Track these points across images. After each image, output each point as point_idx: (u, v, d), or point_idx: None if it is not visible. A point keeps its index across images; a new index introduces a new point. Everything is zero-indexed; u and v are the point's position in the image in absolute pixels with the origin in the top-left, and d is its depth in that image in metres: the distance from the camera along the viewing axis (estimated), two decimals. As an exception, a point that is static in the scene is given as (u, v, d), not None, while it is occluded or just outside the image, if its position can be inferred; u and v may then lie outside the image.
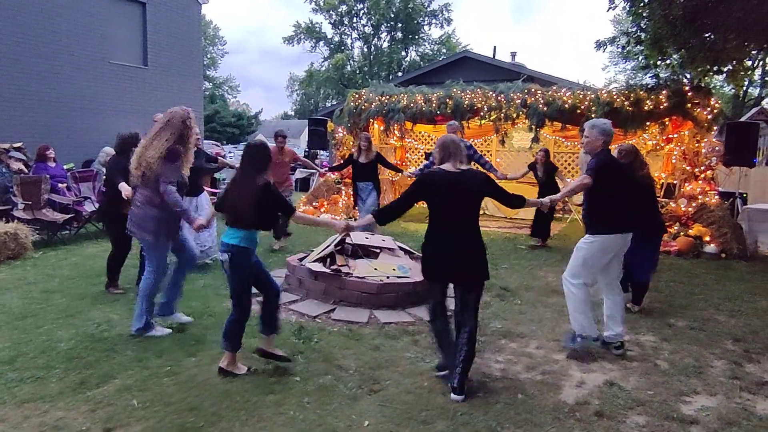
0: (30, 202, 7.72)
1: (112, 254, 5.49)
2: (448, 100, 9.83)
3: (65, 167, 9.45)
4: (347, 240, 5.64)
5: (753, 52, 9.73)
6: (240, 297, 3.63)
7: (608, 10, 8.88)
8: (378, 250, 5.72)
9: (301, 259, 5.64)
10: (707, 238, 7.89)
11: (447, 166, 3.50)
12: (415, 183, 3.65)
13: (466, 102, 9.70)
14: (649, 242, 5.02)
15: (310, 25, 42.20)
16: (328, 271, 5.22)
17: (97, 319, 4.59)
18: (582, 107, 8.82)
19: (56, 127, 12.06)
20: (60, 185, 8.54)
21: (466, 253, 3.45)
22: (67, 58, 12.33)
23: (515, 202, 3.79)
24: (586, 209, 4.24)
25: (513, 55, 20.84)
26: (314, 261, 5.42)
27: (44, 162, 8.63)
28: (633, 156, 5.07)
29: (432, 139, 13.13)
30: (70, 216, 8.07)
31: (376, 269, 5.29)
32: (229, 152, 21.85)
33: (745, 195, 9.35)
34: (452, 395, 3.35)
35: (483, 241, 3.55)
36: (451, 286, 3.63)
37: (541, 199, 4.44)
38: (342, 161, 8.95)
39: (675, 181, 8.85)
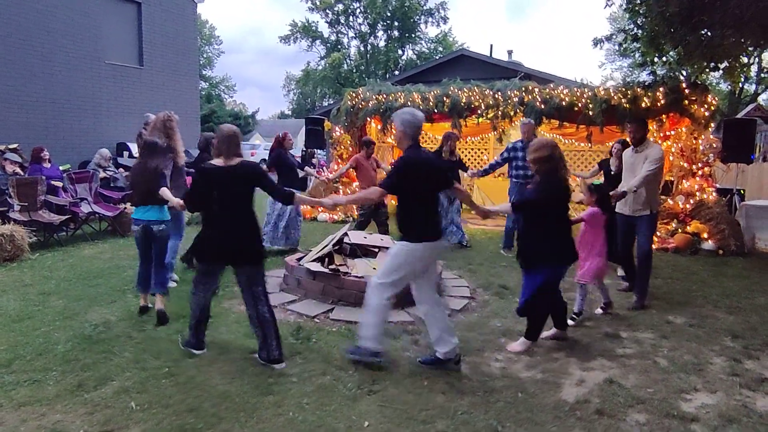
0: (26, 204, 7.69)
1: None
2: (445, 99, 9.82)
3: (61, 168, 9.42)
4: (345, 240, 5.63)
5: (750, 49, 9.72)
6: None
7: (605, 8, 8.93)
8: (376, 250, 5.70)
9: (299, 259, 5.62)
10: (705, 235, 7.89)
11: (218, 161, 3.77)
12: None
13: (463, 100, 9.69)
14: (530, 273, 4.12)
15: (306, 24, 42.20)
16: (326, 270, 5.21)
17: (94, 321, 4.57)
18: (579, 105, 8.82)
19: (52, 128, 12.03)
20: (54, 183, 8.48)
21: (234, 236, 3.76)
22: (63, 58, 12.30)
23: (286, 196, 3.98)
24: (398, 214, 3.78)
25: (510, 53, 20.87)
26: (312, 261, 5.40)
27: (39, 163, 8.59)
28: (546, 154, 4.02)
29: (430, 138, 13.14)
30: (66, 217, 8.04)
31: (374, 268, 5.26)
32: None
33: (742, 191, 9.37)
34: (276, 366, 3.69)
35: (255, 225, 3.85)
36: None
37: (328, 198, 4.11)
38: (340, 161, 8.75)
39: (672, 178, 8.85)
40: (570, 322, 4.63)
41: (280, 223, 7.21)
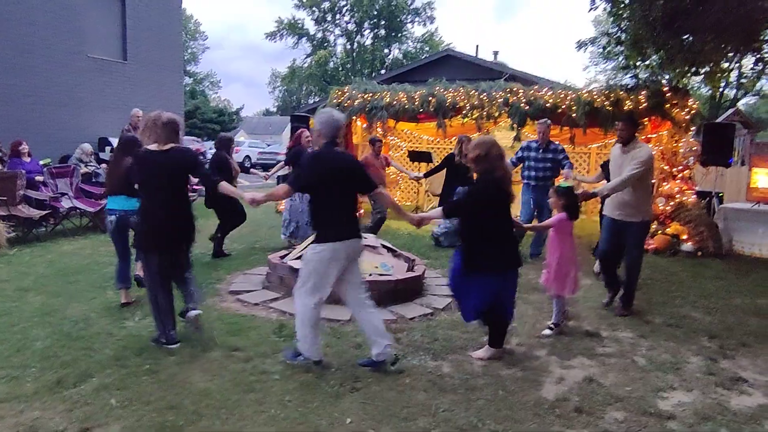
0: (5, 198, 7.56)
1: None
2: (430, 99, 9.84)
3: (42, 163, 9.27)
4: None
5: (730, 54, 9.90)
6: None
7: (589, 11, 8.97)
8: (360, 248, 5.70)
9: (282, 257, 5.60)
10: (684, 237, 8.03)
11: (153, 146, 3.96)
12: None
13: (448, 100, 9.72)
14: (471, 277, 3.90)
15: (292, 21, 42.03)
16: (310, 268, 5.19)
17: (74, 317, 4.52)
18: (563, 107, 8.90)
19: (32, 121, 11.82)
20: (36, 178, 8.36)
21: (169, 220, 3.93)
22: (44, 51, 12.09)
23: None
24: (310, 215, 3.82)
25: (495, 54, 21.03)
26: (296, 258, 5.39)
27: (18, 157, 8.45)
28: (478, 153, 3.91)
29: (415, 137, 13.17)
30: (46, 212, 7.92)
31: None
32: (210, 148, 21.63)
33: (721, 194, 9.53)
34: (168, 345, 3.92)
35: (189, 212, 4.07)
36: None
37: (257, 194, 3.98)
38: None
39: (653, 181, 8.96)
40: (546, 332, 4.52)
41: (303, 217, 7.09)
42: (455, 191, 7.67)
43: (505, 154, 4.10)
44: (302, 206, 7.09)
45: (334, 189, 3.60)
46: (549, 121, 7.46)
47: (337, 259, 3.60)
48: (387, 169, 8.92)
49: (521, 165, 7.39)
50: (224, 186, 4.12)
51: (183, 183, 4.06)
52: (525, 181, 7.31)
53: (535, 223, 6.87)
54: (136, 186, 4.19)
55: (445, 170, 8.25)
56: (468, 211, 3.94)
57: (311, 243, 3.74)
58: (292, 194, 3.88)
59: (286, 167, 7.65)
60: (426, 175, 9.01)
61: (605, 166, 6.53)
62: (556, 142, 7.41)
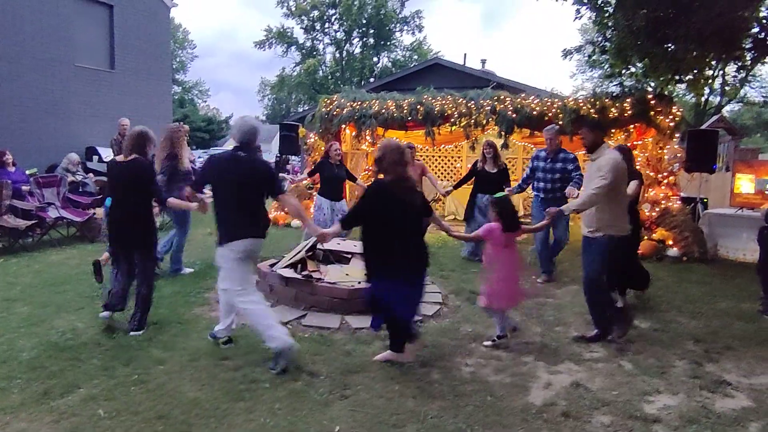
0: (-10, 208, 7.50)
1: None
2: (419, 107, 9.90)
3: (28, 172, 9.22)
4: (318, 246, 5.64)
5: (713, 63, 10.07)
6: None
7: (574, 20, 9.15)
8: (349, 256, 5.73)
9: (272, 265, 5.61)
10: (670, 242, 8.12)
11: (119, 158, 4.52)
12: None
13: (436, 108, 9.78)
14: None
15: (281, 29, 42.05)
16: (299, 276, 5.21)
17: (61, 328, 4.49)
18: (549, 114, 8.99)
19: (18, 131, 11.74)
20: (23, 188, 8.30)
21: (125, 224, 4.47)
22: (31, 60, 12.03)
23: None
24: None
25: (483, 62, 21.12)
26: (285, 267, 5.40)
27: (3, 167, 8.39)
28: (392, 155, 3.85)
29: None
30: (32, 222, 7.86)
31: (347, 275, 5.29)
32: (199, 157, 21.58)
33: (705, 200, 9.65)
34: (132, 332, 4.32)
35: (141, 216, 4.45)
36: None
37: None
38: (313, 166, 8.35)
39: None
40: (487, 343, 4.37)
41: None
42: (478, 199, 7.47)
43: (409, 161, 4.04)
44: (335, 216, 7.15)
45: (222, 190, 3.94)
46: (556, 127, 6.97)
47: (237, 258, 3.89)
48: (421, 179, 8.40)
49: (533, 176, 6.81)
50: (171, 202, 4.71)
51: (141, 190, 4.45)
52: (535, 193, 6.82)
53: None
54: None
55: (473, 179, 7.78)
56: (358, 217, 3.96)
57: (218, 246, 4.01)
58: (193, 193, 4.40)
59: (308, 179, 8.26)
60: (455, 187, 8.37)
61: None
62: (567, 151, 6.71)
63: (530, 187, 7.01)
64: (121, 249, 4.59)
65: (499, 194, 4.62)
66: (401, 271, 3.79)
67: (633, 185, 5.21)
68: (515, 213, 4.42)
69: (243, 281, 3.94)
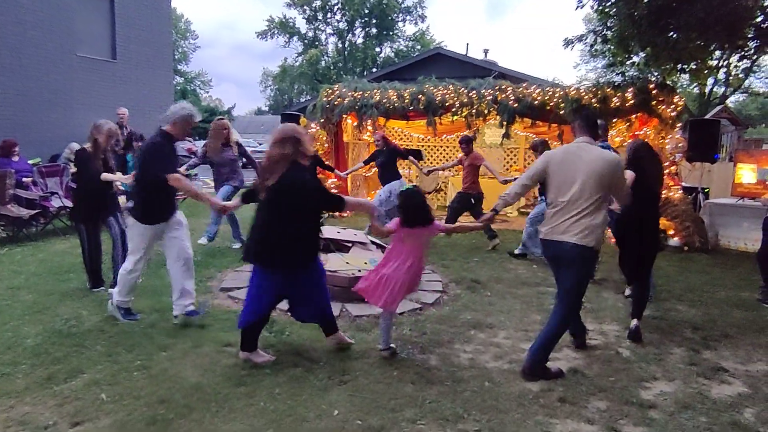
0: (-6, 198, 7.55)
1: None
2: (420, 97, 9.89)
3: (31, 162, 9.25)
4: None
5: (715, 52, 10.03)
6: None
7: (576, 9, 9.06)
8: (350, 244, 5.76)
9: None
10: (671, 232, 8.12)
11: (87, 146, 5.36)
12: None
13: (438, 98, 9.77)
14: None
15: (283, 20, 41.94)
16: (300, 265, 5.24)
17: (65, 315, 4.54)
18: (551, 104, 8.98)
19: (21, 121, 11.75)
20: (25, 180, 8.34)
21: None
22: (33, 50, 12.02)
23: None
24: None
25: (485, 52, 21.03)
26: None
27: (8, 157, 8.43)
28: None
29: (406, 135, 13.22)
30: (36, 211, 7.91)
31: (347, 263, 5.33)
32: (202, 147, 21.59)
33: (707, 190, 9.64)
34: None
35: None
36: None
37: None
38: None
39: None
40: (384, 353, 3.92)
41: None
42: None
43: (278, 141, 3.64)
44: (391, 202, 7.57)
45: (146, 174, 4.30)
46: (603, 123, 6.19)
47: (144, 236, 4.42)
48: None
49: None
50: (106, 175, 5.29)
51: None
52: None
53: None
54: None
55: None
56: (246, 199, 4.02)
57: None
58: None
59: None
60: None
61: None
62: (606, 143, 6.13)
63: None
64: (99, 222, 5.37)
65: (407, 186, 4.27)
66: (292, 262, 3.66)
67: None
68: (421, 207, 3.89)
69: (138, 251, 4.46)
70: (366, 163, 9.08)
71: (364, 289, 3.93)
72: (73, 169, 9.64)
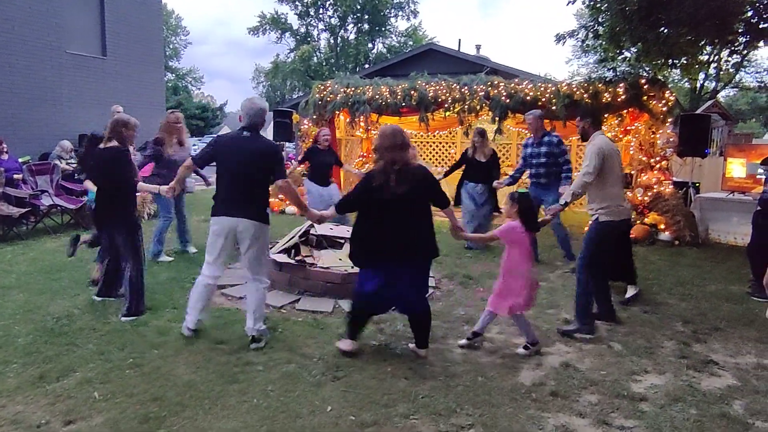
0: (-16, 196, 7.50)
1: None
2: (412, 92, 9.90)
3: (21, 160, 9.19)
4: (312, 231, 5.67)
5: (706, 47, 10.07)
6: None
7: (567, 5, 9.06)
8: (342, 241, 5.76)
9: (266, 251, 5.63)
10: (662, 226, 8.18)
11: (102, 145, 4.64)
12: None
13: (430, 94, 9.79)
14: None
15: (275, 15, 41.68)
16: (292, 261, 5.25)
17: (56, 314, 4.52)
18: (543, 99, 9.00)
19: (10, 119, 11.66)
20: (15, 177, 8.29)
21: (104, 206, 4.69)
22: (21, 47, 11.92)
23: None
24: None
25: (478, 47, 21.02)
26: (279, 252, 5.44)
27: (-3, 155, 8.38)
28: None
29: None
30: (26, 210, 7.86)
31: (340, 259, 5.33)
32: (194, 145, 21.50)
33: (697, 184, 9.69)
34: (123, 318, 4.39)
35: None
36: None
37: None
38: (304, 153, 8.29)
39: (632, 172, 9.12)
40: (521, 350, 4.00)
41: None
42: (467, 186, 7.55)
43: (408, 143, 3.78)
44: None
45: (222, 168, 3.98)
46: (537, 111, 6.94)
47: (219, 233, 3.97)
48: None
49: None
50: (141, 185, 4.76)
51: (117, 174, 4.54)
52: (531, 180, 6.86)
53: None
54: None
55: (464, 167, 7.79)
56: (353, 204, 3.98)
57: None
58: (193, 167, 4.32)
59: (301, 165, 8.02)
60: (445, 175, 8.24)
61: None
62: (552, 134, 6.77)
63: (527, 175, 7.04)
64: (104, 231, 4.79)
65: (521, 190, 4.44)
66: (384, 261, 3.70)
67: None
68: (536, 211, 4.18)
69: (210, 253, 4.06)
70: (301, 162, 8.00)
71: (522, 305, 3.96)
72: (64, 166, 9.60)
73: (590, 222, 4.58)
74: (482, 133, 7.55)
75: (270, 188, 4.16)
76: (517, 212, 3.96)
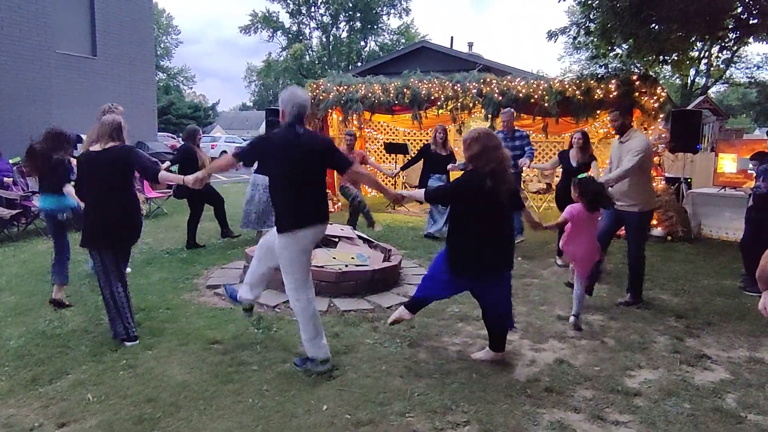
0: (-26, 198, 7.42)
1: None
2: (405, 90, 9.89)
3: (11, 161, 9.10)
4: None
5: (697, 43, 10.14)
6: None
7: (559, 2, 9.10)
8: (336, 239, 5.76)
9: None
10: (654, 222, 8.22)
11: (95, 147, 4.01)
12: None
13: (423, 92, 9.78)
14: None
15: (267, 14, 41.59)
16: (286, 261, 5.22)
17: (48, 316, 4.48)
18: (535, 96, 9.02)
19: (0, 119, 11.58)
20: (6, 179, 8.21)
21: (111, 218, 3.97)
22: (10, 48, 11.83)
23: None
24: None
25: (470, 45, 21.07)
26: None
27: (-14, 156, 8.30)
28: None
29: (391, 129, 13.21)
30: (17, 212, 7.79)
31: (334, 258, 5.33)
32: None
33: (689, 180, 9.76)
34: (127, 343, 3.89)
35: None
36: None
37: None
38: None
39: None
40: (572, 319, 4.46)
41: (247, 206, 7.26)
42: (432, 179, 7.86)
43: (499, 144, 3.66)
44: (253, 194, 7.24)
45: (278, 171, 3.46)
46: (512, 110, 7.71)
47: (306, 249, 3.49)
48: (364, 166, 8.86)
49: None
50: (163, 174, 4.03)
51: (122, 179, 4.01)
52: None
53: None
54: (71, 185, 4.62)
55: (422, 161, 8.24)
56: (447, 198, 4.01)
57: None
58: (237, 164, 3.75)
59: None
60: (403, 168, 8.87)
61: (563, 155, 6.67)
62: (521, 130, 7.60)
63: None
64: (109, 247, 4.02)
65: (582, 175, 4.59)
66: (495, 265, 3.67)
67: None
68: (600, 192, 4.33)
69: (300, 273, 3.49)
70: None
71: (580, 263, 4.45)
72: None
73: (630, 214, 4.95)
74: (445, 130, 8.24)
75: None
76: (578, 195, 4.35)
